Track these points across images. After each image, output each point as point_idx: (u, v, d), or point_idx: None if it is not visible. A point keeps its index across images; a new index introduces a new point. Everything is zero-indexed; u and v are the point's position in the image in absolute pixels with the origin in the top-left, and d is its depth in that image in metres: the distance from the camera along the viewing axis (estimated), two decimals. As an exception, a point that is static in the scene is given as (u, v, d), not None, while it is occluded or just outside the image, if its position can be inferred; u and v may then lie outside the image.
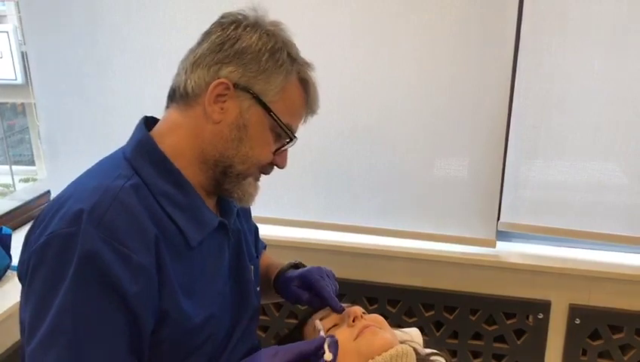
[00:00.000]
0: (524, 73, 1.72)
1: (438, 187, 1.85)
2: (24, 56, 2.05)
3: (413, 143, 1.81)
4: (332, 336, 0.97)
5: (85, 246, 0.83)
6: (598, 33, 1.66)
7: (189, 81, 0.97)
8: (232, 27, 0.97)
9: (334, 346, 0.95)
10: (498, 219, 1.85)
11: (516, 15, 1.66)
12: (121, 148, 1.02)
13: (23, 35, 2.55)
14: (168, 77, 1.85)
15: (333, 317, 1.08)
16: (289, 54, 0.98)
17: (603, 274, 1.80)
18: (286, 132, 0.99)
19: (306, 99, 1.02)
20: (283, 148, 1.02)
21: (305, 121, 1.06)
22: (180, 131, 0.97)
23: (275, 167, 1.04)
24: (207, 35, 1.00)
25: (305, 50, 1.04)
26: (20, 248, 0.96)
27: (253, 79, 0.95)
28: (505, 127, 1.76)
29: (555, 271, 1.82)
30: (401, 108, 1.78)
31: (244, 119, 0.96)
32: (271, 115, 0.97)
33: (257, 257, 1.20)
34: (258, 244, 1.29)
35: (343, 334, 1.00)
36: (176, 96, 0.99)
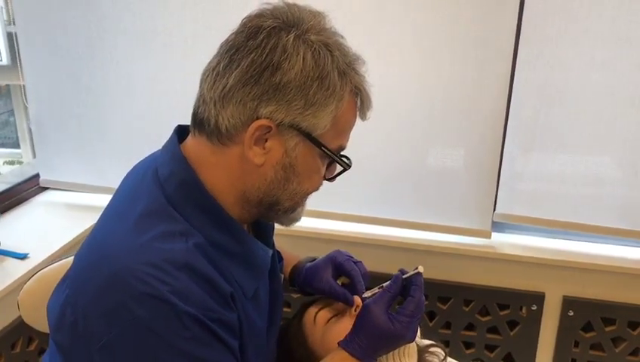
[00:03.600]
0: (525, 64, 1.70)
1: (435, 177, 1.83)
2: (11, 37, 2.00)
3: (411, 133, 1.79)
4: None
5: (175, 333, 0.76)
6: (599, 25, 1.64)
7: (220, 118, 0.82)
8: (268, 46, 0.80)
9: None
10: (494, 210, 1.84)
11: (518, 5, 1.65)
12: (156, 179, 0.86)
13: (9, 15, 2.48)
14: (161, 58, 1.84)
15: (335, 306, 1.06)
16: (339, 72, 0.82)
17: (597, 266, 1.80)
18: (340, 162, 0.88)
19: (360, 108, 0.88)
20: (336, 174, 0.92)
21: None
22: (217, 171, 0.85)
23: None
24: (234, 50, 0.82)
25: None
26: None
27: (300, 116, 0.81)
28: (503, 119, 1.74)
29: (550, 263, 1.82)
30: (399, 97, 1.76)
31: (290, 158, 0.83)
32: (322, 149, 0.84)
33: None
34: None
35: (344, 324, 0.98)
36: (206, 129, 0.84)
